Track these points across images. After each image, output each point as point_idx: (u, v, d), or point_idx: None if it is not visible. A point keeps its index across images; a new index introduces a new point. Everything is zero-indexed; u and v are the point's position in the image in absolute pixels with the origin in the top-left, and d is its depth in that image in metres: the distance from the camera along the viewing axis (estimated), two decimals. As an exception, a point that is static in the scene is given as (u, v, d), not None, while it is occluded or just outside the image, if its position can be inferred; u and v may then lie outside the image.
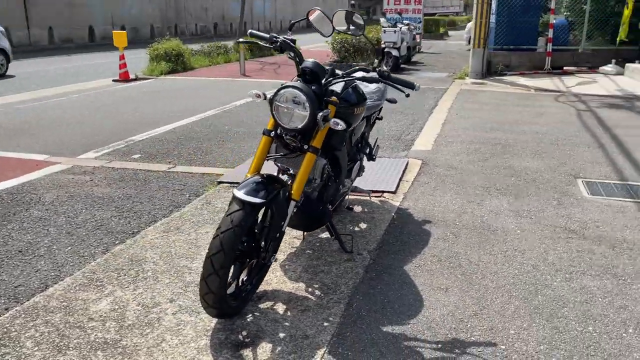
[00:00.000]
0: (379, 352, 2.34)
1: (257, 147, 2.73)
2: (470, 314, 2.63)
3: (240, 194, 2.37)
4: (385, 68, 2.72)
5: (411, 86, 2.56)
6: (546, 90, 10.31)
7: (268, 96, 2.59)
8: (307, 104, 2.46)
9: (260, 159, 2.68)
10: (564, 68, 12.34)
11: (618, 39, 11.63)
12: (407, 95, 2.62)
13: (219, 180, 4.69)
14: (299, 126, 2.51)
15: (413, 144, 6.03)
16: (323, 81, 2.59)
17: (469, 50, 12.65)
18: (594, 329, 2.50)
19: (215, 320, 2.56)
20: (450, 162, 5.28)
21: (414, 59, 15.70)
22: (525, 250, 3.33)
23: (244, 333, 2.47)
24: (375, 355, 2.31)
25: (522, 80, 11.50)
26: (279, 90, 2.52)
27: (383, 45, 13.16)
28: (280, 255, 3.23)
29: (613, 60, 11.81)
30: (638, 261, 3.19)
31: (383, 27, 13.43)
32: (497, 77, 11.92)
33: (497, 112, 7.90)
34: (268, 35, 2.85)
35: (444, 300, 2.76)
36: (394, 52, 13.05)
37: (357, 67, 2.78)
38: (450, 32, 31.42)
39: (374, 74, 2.63)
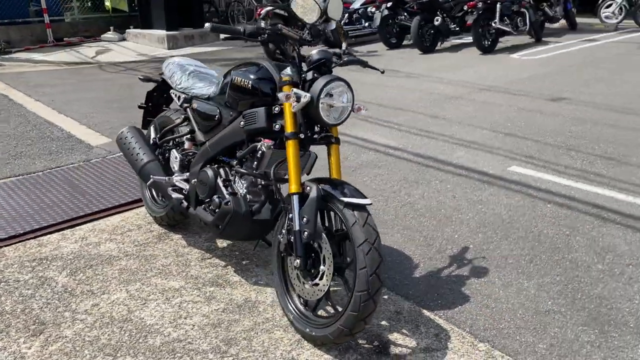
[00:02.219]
0: (448, 289, 2.75)
1: (287, 154, 2.34)
2: (423, 237, 3.26)
3: (356, 200, 2.15)
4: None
5: (364, 63, 2.76)
6: (76, 63, 10.09)
7: (307, 96, 2.25)
8: (351, 96, 2.36)
9: (299, 168, 2.35)
10: (65, 39, 12.07)
11: (108, 7, 12.27)
12: (382, 72, 2.78)
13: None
14: (342, 120, 2.37)
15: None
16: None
17: None
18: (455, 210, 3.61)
19: (321, 353, 2.28)
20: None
21: None
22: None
23: (363, 341, 2.35)
24: (449, 292, 2.72)
25: (37, 56, 10.67)
26: (323, 87, 2.26)
27: None
28: (218, 271, 2.84)
29: (111, 27, 12.39)
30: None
31: None
32: (5, 57, 10.59)
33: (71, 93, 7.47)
34: (243, 28, 2.34)
35: (396, 236, 3.26)
36: None
37: (321, 48, 2.64)
38: None
39: (354, 56, 2.66)
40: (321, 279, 2.26)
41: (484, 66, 8.53)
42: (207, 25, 2.39)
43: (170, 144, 3.22)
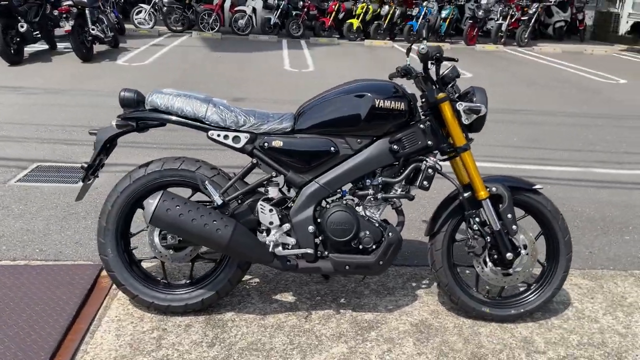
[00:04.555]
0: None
1: (467, 165, 2.40)
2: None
3: (537, 186, 2.50)
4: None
5: None
6: None
7: (483, 107, 2.35)
8: None
9: (479, 175, 2.43)
10: None
11: None
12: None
13: None
14: None
15: None
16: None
17: None
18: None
19: (531, 323, 2.59)
20: None
21: None
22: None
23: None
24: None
25: None
26: (486, 97, 2.40)
27: None
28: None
29: None
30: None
31: None
32: None
33: None
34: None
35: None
36: None
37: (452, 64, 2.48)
38: None
39: None
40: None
41: (115, 76, 8.13)
42: (399, 67, 2.16)
43: (238, 199, 2.40)
